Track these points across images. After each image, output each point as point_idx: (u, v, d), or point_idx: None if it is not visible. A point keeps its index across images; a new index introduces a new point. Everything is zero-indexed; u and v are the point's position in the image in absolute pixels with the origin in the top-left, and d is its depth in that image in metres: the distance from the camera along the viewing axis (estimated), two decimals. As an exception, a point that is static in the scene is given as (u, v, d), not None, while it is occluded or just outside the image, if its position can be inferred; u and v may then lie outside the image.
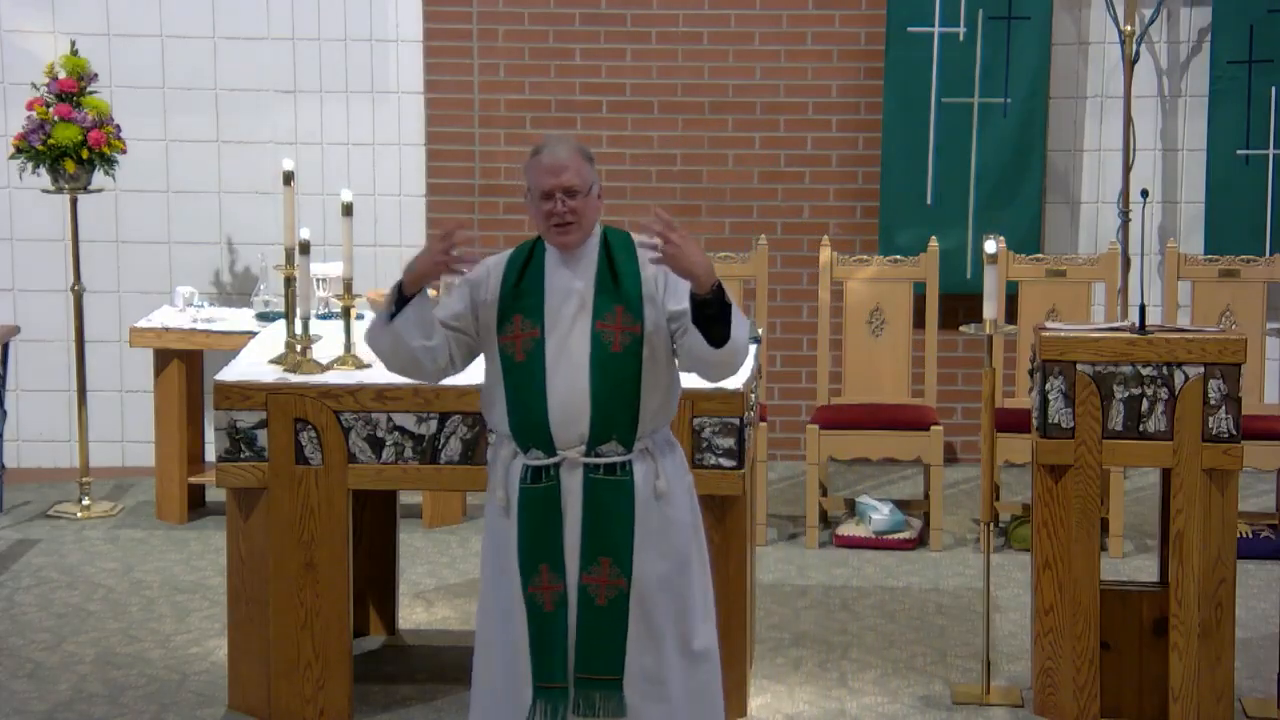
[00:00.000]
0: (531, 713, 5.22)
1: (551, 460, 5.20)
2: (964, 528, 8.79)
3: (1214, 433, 6.39)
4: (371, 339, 5.33)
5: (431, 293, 5.31)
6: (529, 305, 5.23)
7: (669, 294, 5.21)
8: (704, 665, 5.34)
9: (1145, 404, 6.41)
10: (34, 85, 8.91)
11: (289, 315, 6.77)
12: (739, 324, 5.14)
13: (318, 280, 8.59)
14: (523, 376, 5.20)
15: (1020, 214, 9.50)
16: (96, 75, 8.94)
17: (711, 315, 5.12)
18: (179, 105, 9.56)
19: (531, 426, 5.20)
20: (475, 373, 6.50)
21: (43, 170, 8.81)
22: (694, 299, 5.13)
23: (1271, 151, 9.34)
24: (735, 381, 6.25)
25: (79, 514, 8.94)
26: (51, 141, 8.71)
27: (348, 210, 6.68)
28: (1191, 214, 9.60)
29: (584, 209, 5.20)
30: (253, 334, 8.05)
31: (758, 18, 9.61)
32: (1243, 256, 8.62)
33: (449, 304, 5.33)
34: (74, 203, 8.91)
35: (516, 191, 9.72)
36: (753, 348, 5.60)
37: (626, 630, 5.21)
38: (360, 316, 8.19)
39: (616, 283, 5.22)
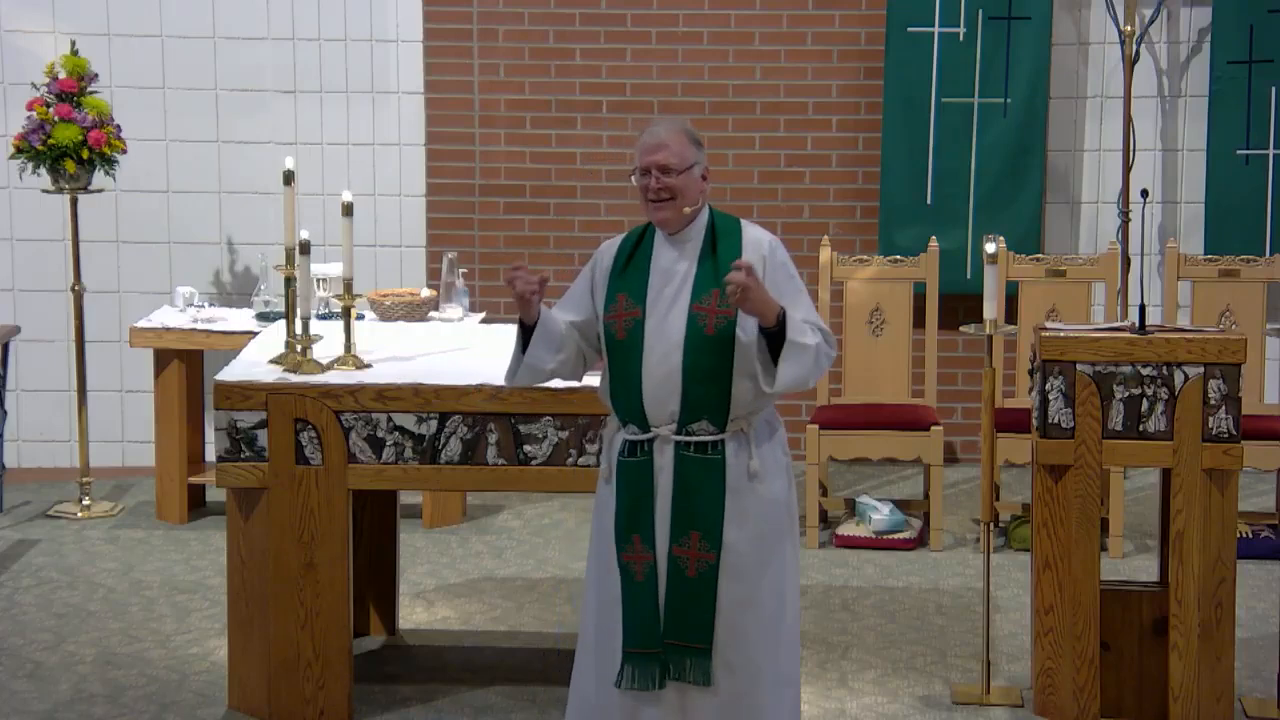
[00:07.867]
0: (619, 675, 5.37)
1: (645, 436, 5.35)
2: (964, 528, 8.79)
3: (1214, 433, 6.39)
4: (512, 379, 5.56)
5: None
6: (633, 285, 5.39)
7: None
8: (789, 644, 5.50)
9: (1145, 404, 6.41)
10: (34, 85, 8.91)
11: (289, 315, 6.76)
12: (792, 364, 5.25)
13: (318, 280, 8.59)
14: (622, 354, 5.36)
15: (1020, 214, 9.50)
16: (96, 75, 8.94)
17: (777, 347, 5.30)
18: (179, 105, 9.56)
19: (628, 403, 5.35)
20: (475, 373, 6.52)
21: (43, 170, 8.80)
22: (763, 331, 5.27)
23: (1271, 151, 9.34)
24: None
25: (79, 514, 8.94)
26: (51, 141, 8.70)
27: (348, 210, 6.68)
28: (1191, 214, 9.60)
29: (681, 187, 5.33)
30: (253, 334, 8.05)
31: (758, 18, 9.61)
32: (1243, 256, 8.62)
33: (571, 295, 5.52)
34: (74, 203, 8.91)
35: (516, 191, 9.72)
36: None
37: (715, 602, 5.35)
38: (360, 316, 8.21)
39: (716, 266, 5.33)
